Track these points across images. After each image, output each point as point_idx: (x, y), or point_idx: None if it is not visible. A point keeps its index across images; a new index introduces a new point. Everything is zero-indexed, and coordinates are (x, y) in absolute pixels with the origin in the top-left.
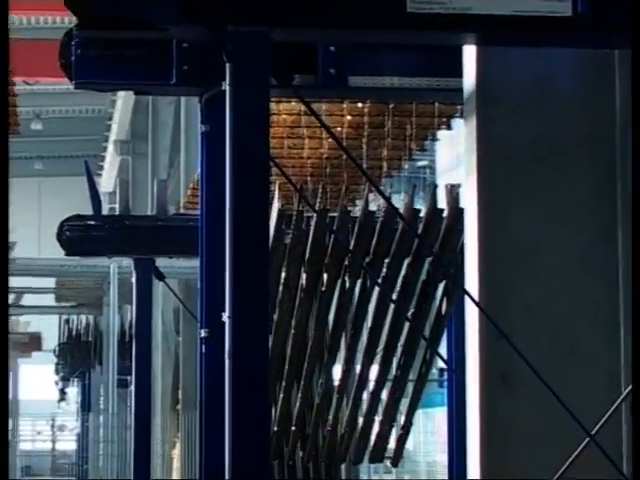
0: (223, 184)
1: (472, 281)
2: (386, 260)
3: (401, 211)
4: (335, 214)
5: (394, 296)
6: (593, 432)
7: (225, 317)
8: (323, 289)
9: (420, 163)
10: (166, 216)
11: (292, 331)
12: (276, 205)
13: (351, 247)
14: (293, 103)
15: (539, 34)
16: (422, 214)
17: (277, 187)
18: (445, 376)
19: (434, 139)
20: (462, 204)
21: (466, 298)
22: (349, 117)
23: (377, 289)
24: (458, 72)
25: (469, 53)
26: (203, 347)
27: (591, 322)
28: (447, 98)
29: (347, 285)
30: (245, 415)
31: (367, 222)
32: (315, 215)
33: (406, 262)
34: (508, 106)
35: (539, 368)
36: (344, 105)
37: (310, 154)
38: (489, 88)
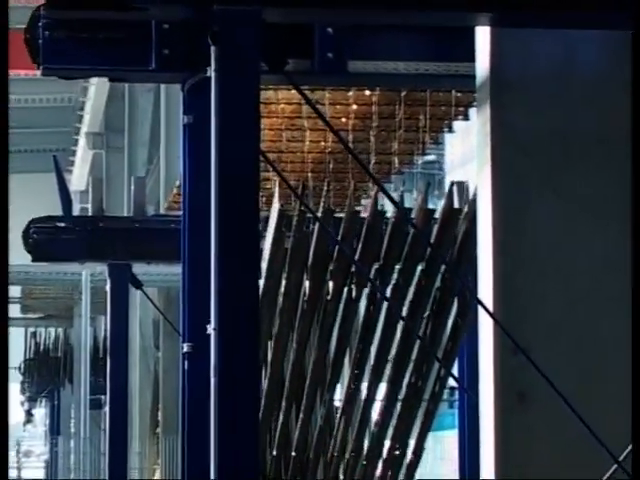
0: (208, 181)
1: (485, 289)
2: (397, 266)
3: (414, 212)
4: (340, 214)
5: (404, 306)
6: (621, 458)
7: (210, 329)
8: (328, 298)
9: (429, 157)
10: (144, 217)
11: (293, 345)
12: (276, 205)
13: (358, 252)
14: (293, 91)
15: (559, 14)
16: (437, 215)
17: (277, 185)
18: (456, 396)
19: (450, 130)
20: None
21: (479, 308)
22: (355, 106)
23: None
24: (470, 56)
25: (482, 35)
26: (186, 363)
27: (619, 332)
28: (459, 85)
29: (354, 294)
30: (233, 439)
31: (376, 224)
32: (318, 217)
33: (419, 269)
34: (526, 92)
35: (560, 385)
36: (350, 93)
37: (312, 148)
38: (504, 73)
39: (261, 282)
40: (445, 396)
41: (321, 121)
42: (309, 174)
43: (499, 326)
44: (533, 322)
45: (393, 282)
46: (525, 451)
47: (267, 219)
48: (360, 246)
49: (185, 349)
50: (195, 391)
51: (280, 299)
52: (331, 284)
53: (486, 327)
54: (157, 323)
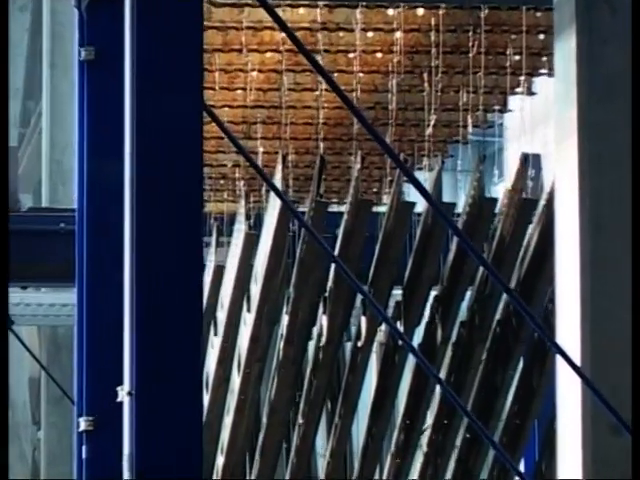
0: (119, 152)
1: (567, 329)
2: (469, 291)
3: (500, 203)
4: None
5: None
6: None
7: (123, 394)
8: (359, 345)
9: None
10: (17, 212)
11: (299, 421)
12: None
13: (408, 269)
14: (302, 10)
15: None
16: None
17: (280, 159)
18: None
19: (550, 73)
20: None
21: (558, 360)
22: (400, 34)
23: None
24: None
25: None
26: (83, 448)
27: None
28: (530, 1)
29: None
30: None
31: (438, 224)
32: (347, 213)
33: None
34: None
35: None
36: (391, 12)
37: (328, 100)
38: None
39: (249, 317)
40: None
41: (343, 58)
42: (321, 143)
43: (591, 389)
44: None
45: (462, 320)
46: None
47: (248, 216)
48: (411, 259)
49: (82, 426)
50: None
51: (280, 345)
52: (363, 320)
53: (569, 391)
54: (36, 382)
